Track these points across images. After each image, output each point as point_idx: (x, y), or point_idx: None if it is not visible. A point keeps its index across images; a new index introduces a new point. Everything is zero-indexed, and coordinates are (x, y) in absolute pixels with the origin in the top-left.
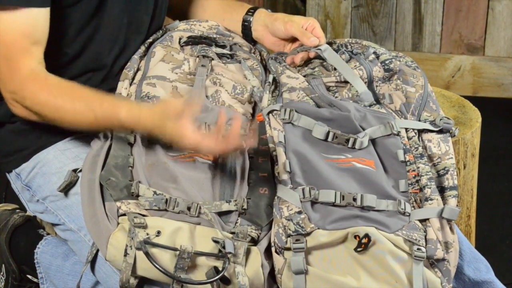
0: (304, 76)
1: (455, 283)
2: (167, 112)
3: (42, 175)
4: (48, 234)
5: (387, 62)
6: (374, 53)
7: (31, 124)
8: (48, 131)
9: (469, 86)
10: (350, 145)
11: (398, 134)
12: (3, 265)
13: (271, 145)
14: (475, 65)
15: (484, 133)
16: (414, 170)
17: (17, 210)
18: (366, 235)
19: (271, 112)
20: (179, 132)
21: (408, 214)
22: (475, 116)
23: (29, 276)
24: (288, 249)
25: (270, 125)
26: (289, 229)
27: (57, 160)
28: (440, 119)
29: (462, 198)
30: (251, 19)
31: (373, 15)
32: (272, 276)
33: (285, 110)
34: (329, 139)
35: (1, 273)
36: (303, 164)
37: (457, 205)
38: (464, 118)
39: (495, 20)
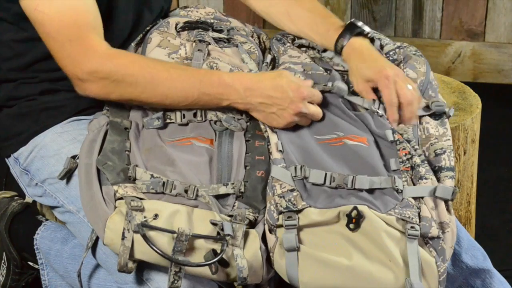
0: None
1: (453, 270)
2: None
3: (40, 158)
4: (47, 220)
5: (391, 53)
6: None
7: (28, 108)
8: (45, 115)
9: (469, 72)
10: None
11: (381, 116)
12: (4, 253)
13: (262, 126)
14: (475, 51)
15: (484, 119)
16: (404, 149)
17: (16, 197)
18: (355, 208)
19: None
20: (296, 82)
21: (400, 191)
22: (475, 102)
23: (30, 263)
24: (280, 226)
25: None
26: (281, 206)
27: (54, 143)
28: (432, 103)
29: (462, 184)
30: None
31: (373, 1)
32: (270, 260)
33: None
34: None
35: (3, 261)
36: (294, 144)
37: (454, 186)
38: (464, 104)
39: (495, 6)
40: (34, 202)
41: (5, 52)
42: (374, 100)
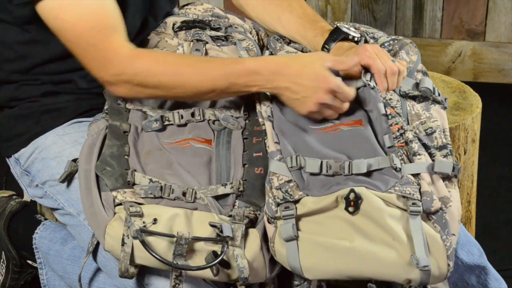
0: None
1: None
2: (306, 56)
3: (41, 160)
4: (46, 219)
5: (386, 44)
6: (373, 37)
7: (30, 109)
8: (46, 117)
9: (470, 72)
10: None
11: (373, 88)
12: (3, 252)
13: (260, 119)
14: (475, 51)
15: (485, 119)
16: (397, 124)
17: (14, 197)
18: (352, 190)
19: None
20: (321, 72)
21: (399, 169)
22: (476, 101)
23: (30, 262)
24: (279, 218)
25: (259, 101)
26: (278, 198)
27: (55, 145)
28: (421, 86)
29: (462, 183)
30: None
31: (373, 1)
32: (273, 259)
33: None
34: None
35: (2, 260)
36: (291, 136)
37: (454, 161)
38: (464, 104)
39: (495, 6)
40: (33, 201)
41: (7, 54)
42: (365, 73)
